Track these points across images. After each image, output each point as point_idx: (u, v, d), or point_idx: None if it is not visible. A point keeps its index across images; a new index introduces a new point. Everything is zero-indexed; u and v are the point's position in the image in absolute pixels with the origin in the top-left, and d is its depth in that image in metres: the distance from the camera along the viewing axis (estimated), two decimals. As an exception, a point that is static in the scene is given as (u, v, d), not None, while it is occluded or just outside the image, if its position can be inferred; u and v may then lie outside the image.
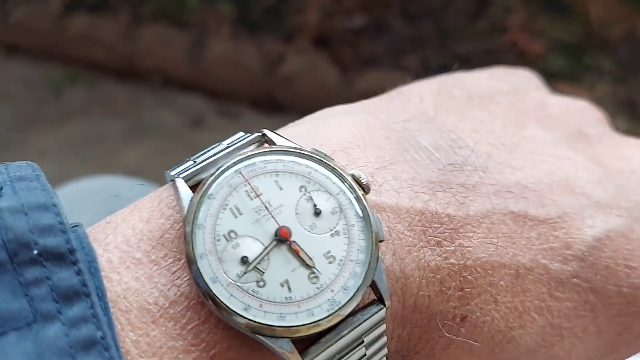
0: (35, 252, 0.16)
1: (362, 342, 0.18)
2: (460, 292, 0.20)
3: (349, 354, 0.18)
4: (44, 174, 0.18)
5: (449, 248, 0.20)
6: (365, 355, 0.19)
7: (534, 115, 0.25)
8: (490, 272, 0.20)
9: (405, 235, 0.20)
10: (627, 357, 0.23)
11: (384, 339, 0.19)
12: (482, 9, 1.50)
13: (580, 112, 0.26)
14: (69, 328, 0.16)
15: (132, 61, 1.58)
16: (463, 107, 0.24)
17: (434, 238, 0.20)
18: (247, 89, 1.55)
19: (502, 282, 0.20)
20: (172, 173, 0.20)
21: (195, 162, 0.20)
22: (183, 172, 0.20)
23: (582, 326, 0.21)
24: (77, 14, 1.60)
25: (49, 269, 0.16)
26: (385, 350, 0.19)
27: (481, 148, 0.22)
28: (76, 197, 0.51)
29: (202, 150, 0.20)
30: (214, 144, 0.21)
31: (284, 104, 1.56)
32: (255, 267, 0.18)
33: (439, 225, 0.20)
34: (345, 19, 1.55)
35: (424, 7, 1.52)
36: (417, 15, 1.52)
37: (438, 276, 0.19)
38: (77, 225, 0.18)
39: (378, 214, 0.19)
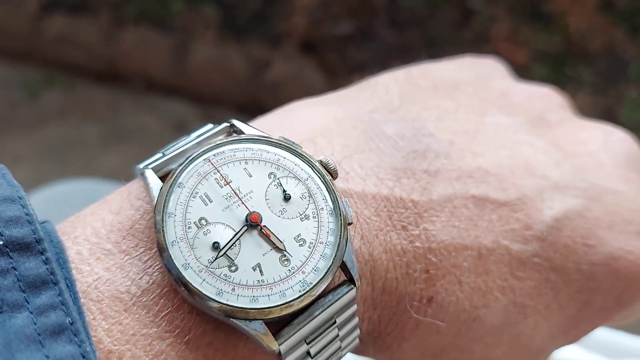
0: (1, 242, 0.16)
1: (335, 322, 0.19)
2: (425, 274, 0.20)
3: (322, 335, 0.19)
4: (19, 179, 0.18)
5: (414, 232, 0.20)
6: (338, 335, 0.19)
7: (496, 102, 0.25)
8: (453, 254, 0.20)
9: (372, 220, 0.20)
10: (588, 332, 0.23)
11: (356, 320, 0.20)
12: (467, 18, 1.53)
13: (542, 98, 0.27)
14: (36, 316, 0.16)
15: (113, 64, 1.56)
16: (428, 97, 0.25)
17: (399, 222, 0.20)
18: (232, 94, 1.54)
19: (465, 264, 0.21)
20: (141, 166, 0.20)
21: (164, 154, 0.20)
22: (152, 164, 0.20)
23: (544, 304, 0.22)
24: (55, 14, 1.57)
25: (15, 260, 0.16)
26: (357, 331, 0.20)
27: (444, 136, 0.23)
28: (54, 201, 0.50)
29: (171, 144, 0.21)
30: (182, 137, 0.21)
31: (269, 110, 1.54)
32: (226, 252, 0.18)
33: (404, 210, 0.20)
34: (332, 25, 1.56)
35: (410, 15, 1.55)
36: (403, 23, 1.55)
37: (404, 259, 0.20)
38: (45, 222, 0.18)
39: (346, 199, 0.20)
